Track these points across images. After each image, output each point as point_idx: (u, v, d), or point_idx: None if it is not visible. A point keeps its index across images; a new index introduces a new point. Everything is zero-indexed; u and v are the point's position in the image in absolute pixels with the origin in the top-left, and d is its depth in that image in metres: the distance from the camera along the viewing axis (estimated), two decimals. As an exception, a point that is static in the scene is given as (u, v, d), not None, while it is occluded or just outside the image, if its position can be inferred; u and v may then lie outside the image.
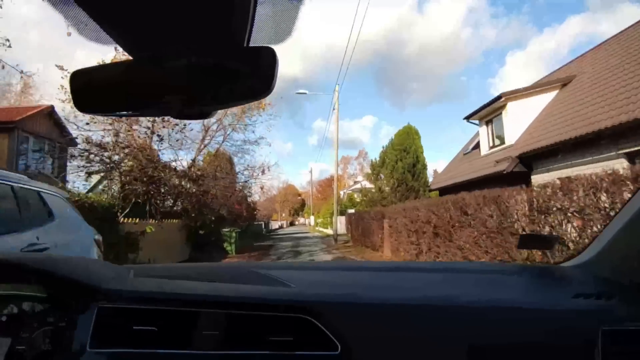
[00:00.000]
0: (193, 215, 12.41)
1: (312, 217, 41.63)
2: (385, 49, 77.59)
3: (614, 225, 0.99)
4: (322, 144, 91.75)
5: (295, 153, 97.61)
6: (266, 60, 0.49)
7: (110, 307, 0.84)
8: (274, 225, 49.09)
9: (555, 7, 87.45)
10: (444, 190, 13.30)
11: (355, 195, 30.73)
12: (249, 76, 0.51)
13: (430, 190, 16.44)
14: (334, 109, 18.60)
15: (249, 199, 22.44)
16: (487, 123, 12.04)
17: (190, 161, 13.84)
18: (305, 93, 18.97)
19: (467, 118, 13.24)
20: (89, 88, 0.57)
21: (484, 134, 12.15)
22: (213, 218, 13.36)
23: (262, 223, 37.40)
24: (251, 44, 0.51)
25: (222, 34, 0.49)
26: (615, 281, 0.95)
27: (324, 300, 0.86)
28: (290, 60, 70.62)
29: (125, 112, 0.59)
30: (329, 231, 29.58)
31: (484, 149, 11.86)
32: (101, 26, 0.46)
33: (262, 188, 18.01)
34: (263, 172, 17.51)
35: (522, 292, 1.06)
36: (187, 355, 0.80)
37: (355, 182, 50.75)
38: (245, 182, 17.98)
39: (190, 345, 0.81)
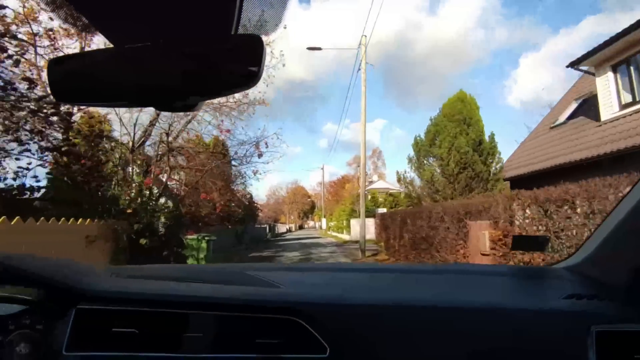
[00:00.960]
0: (129, 212, 7.08)
1: (323, 220, 36.13)
2: (395, 50, 74.30)
3: (605, 227, 0.99)
4: (333, 146, 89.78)
5: (304, 155, 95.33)
6: (253, 49, 0.47)
7: (89, 308, 0.82)
8: (281, 228, 43.58)
9: (569, 7, 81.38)
10: (520, 181, 9.41)
11: (378, 195, 24.97)
12: (235, 65, 0.49)
13: (504, 180, 10.88)
14: (359, 70, 13.14)
15: (243, 193, 16.93)
16: (614, 69, 7.79)
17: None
18: (319, 49, 13.44)
19: (574, 64, 8.56)
20: (68, 77, 0.53)
21: (606, 86, 7.91)
22: (164, 220, 7.87)
23: (267, 226, 32.19)
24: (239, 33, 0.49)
25: (208, 22, 0.48)
26: (607, 282, 0.95)
27: (312, 302, 0.85)
28: (298, 62, 70.71)
29: (106, 103, 0.57)
30: (345, 236, 24.24)
31: (608, 111, 7.85)
32: (83, 14, 0.45)
33: (255, 173, 12.39)
34: (260, 154, 12.01)
35: (513, 293, 1.07)
36: (169, 359, 0.78)
37: (370, 182, 46.44)
38: (236, 165, 12.54)
39: (172, 349, 0.79)
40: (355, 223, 21.78)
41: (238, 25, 0.47)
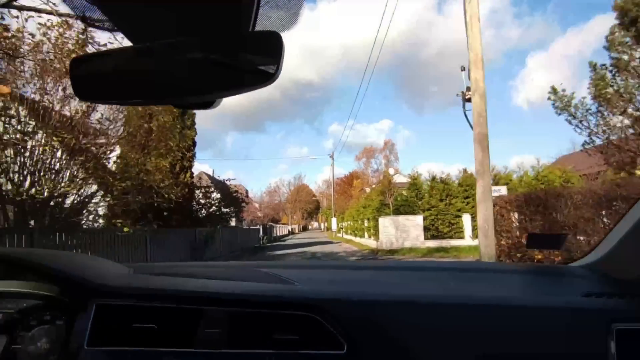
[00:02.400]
0: None
1: (333, 220, 28.76)
2: (404, 50, 70.96)
3: (623, 224, 0.96)
4: (338, 148, 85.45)
5: (310, 155, 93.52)
6: (272, 45, 0.47)
7: (109, 304, 0.83)
8: (281, 230, 36.37)
9: (579, 7, 78.66)
10: None
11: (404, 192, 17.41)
12: (255, 62, 0.49)
13: None
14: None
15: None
16: None
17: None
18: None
19: None
20: (90, 75, 0.55)
21: None
22: None
23: (260, 227, 25.04)
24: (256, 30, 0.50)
25: (226, 20, 0.48)
26: (625, 280, 0.93)
27: (330, 298, 0.85)
28: (306, 64, 72.09)
29: (126, 100, 0.56)
30: (369, 242, 17.01)
31: None
32: (104, 13, 0.46)
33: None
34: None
35: (532, 291, 1.06)
36: (188, 354, 0.79)
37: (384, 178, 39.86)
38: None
39: (191, 344, 0.80)
40: (388, 223, 14.69)
41: (255, 21, 0.47)
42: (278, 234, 33.32)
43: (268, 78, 0.46)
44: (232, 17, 0.46)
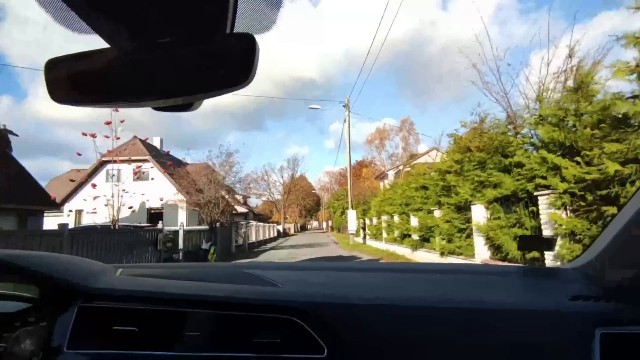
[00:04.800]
0: None
1: (351, 214, 16.11)
2: (407, 48, 66.76)
3: (613, 227, 0.94)
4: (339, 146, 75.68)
5: (311, 156, 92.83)
6: (246, 47, 0.47)
7: (91, 306, 0.82)
8: (267, 231, 24.00)
9: (585, 3, 67.39)
10: None
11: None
12: (229, 64, 0.48)
13: None
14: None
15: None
16: None
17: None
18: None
19: None
20: (65, 78, 0.53)
21: None
22: None
23: (233, 226, 13.20)
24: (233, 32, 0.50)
25: (203, 22, 0.48)
26: (614, 284, 0.92)
27: (310, 301, 0.84)
28: (307, 62, 71.05)
29: (102, 103, 0.57)
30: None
31: None
32: (78, 14, 0.45)
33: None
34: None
35: (520, 293, 1.03)
36: (168, 357, 0.78)
37: (413, 156, 27.85)
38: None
39: (172, 347, 0.79)
40: None
41: (233, 24, 0.47)
42: (260, 237, 21.17)
43: (243, 80, 0.46)
44: (210, 19, 0.47)
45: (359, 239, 17.29)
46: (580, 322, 0.77)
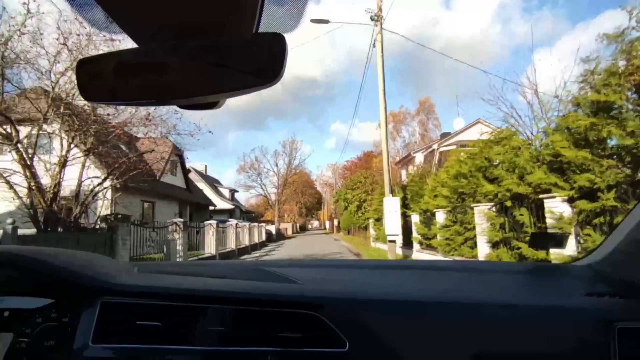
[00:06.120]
0: None
1: (391, 205, 9.73)
2: (410, 46, 65.61)
3: (626, 223, 0.95)
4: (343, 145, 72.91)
5: (312, 156, 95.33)
6: (275, 47, 0.48)
7: (114, 302, 0.84)
8: (252, 235, 17.63)
9: (588, 2, 70.11)
10: None
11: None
12: (259, 63, 0.49)
13: None
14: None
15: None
16: None
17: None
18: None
19: None
20: (95, 77, 0.55)
21: None
22: None
23: (197, 227, 9.65)
24: (260, 32, 0.51)
25: (230, 21, 0.49)
26: (627, 280, 0.92)
27: (332, 297, 0.86)
28: (310, 62, 69.33)
29: (131, 101, 0.58)
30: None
31: None
32: (109, 15, 0.47)
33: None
34: None
35: (535, 290, 1.05)
36: (191, 352, 0.80)
37: (444, 136, 21.54)
38: None
39: (195, 342, 0.81)
40: None
41: (259, 23, 0.48)
42: (242, 243, 14.61)
43: (272, 79, 0.47)
44: (237, 18, 0.48)
45: (398, 249, 10.78)
46: (598, 317, 0.78)
